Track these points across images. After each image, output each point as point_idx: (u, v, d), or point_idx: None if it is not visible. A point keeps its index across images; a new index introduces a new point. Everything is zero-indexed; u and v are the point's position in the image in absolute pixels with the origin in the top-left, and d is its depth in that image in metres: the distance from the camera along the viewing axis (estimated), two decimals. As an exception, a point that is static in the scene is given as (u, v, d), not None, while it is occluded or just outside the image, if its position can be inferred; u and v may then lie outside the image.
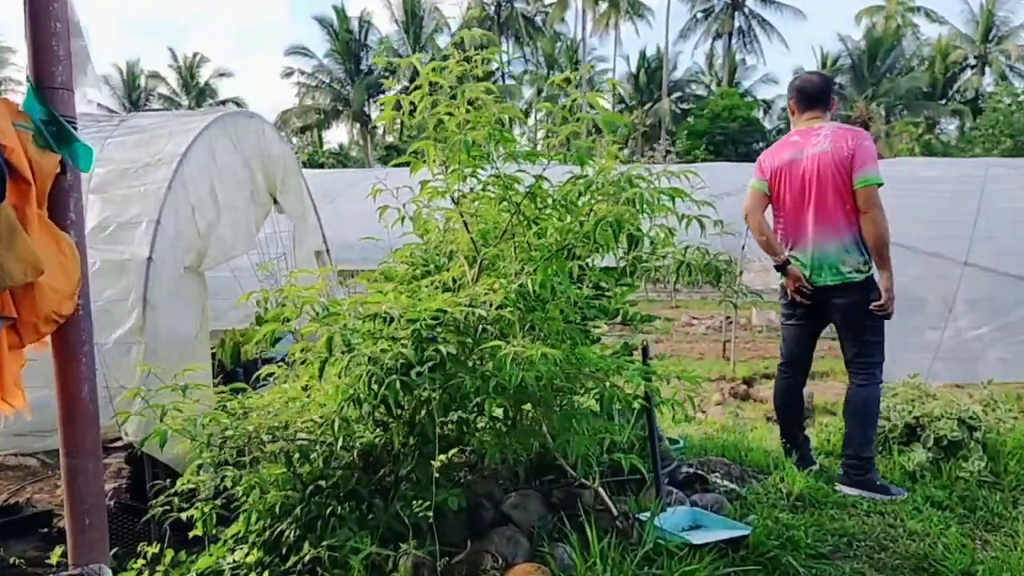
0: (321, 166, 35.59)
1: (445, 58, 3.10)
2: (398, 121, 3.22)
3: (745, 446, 4.77)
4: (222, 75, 49.34)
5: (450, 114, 3.10)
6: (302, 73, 45.26)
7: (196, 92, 47.80)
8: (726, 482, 3.95)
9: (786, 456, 4.44)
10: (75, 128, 2.55)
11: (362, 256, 8.41)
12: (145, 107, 44.76)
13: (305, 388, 3.04)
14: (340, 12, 45.50)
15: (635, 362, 3.36)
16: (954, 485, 4.07)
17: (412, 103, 3.12)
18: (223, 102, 46.54)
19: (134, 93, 46.88)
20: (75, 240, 2.54)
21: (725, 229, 3.41)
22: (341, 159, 42.61)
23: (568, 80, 3.05)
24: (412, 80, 3.27)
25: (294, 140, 45.53)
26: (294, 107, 45.32)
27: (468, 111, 3.08)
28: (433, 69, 3.04)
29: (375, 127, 43.44)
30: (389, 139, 43.73)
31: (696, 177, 3.01)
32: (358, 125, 45.78)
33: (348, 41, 44.69)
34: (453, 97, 3.09)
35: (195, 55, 48.62)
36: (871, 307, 4.07)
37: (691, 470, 3.92)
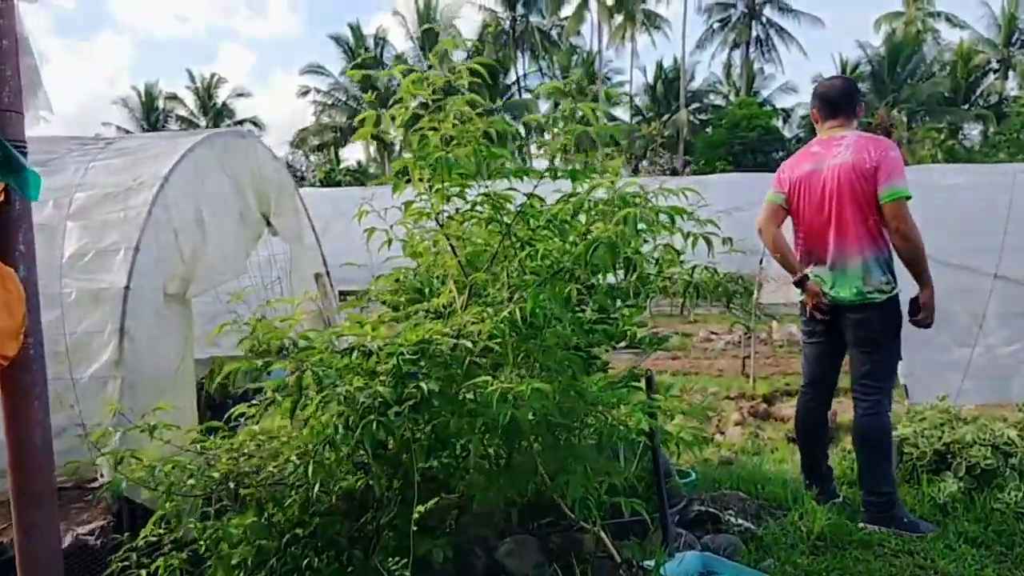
0: (338, 184, 35.58)
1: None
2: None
3: (762, 477, 4.48)
4: (239, 95, 49.59)
5: (434, 128, 2.89)
6: (318, 91, 45.33)
7: (213, 113, 48.05)
8: (741, 520, 3.67)
9: (806, 490, 4.16)
10: (25, 154, 2.36)
11: (370, 277, 8.17)
12: (163, 129, 44.99)
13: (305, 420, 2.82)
14: (356, 30, 45.66)
15: (640, 389, 3.13)
16: (989, 518, 3.78)
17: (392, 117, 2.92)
18: (240, 122, 46.74)
19: (152, 115, 47.19)
20: (25, 275, 2.34)
21: (739, 246, 3.15)
22: (359, 176, 42.57)
23: (559, 89, 2.83)
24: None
25: (311, 158, 45.56)
26: (311, 125, 45.38)
27: (454, 126, 2.87)
28: (413, 82, 2.83)
29: (392, 143, 43.37)
30: (407, 155, 43.58)
31: (696, 195, 2.76)
32: (375, 142, 45.73)
33: (364, 59, 44.77)
34: (438, 111, 2.89)
35: (212, 76, 48.88)
36: (912, 320, 3.86)
37: (702, 508, 3.65)
